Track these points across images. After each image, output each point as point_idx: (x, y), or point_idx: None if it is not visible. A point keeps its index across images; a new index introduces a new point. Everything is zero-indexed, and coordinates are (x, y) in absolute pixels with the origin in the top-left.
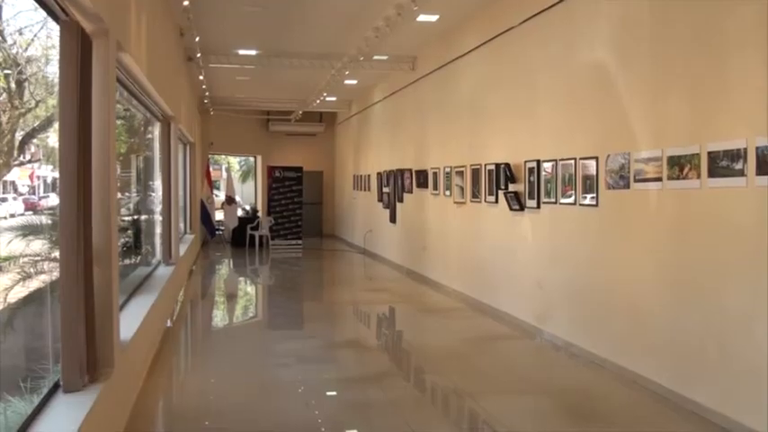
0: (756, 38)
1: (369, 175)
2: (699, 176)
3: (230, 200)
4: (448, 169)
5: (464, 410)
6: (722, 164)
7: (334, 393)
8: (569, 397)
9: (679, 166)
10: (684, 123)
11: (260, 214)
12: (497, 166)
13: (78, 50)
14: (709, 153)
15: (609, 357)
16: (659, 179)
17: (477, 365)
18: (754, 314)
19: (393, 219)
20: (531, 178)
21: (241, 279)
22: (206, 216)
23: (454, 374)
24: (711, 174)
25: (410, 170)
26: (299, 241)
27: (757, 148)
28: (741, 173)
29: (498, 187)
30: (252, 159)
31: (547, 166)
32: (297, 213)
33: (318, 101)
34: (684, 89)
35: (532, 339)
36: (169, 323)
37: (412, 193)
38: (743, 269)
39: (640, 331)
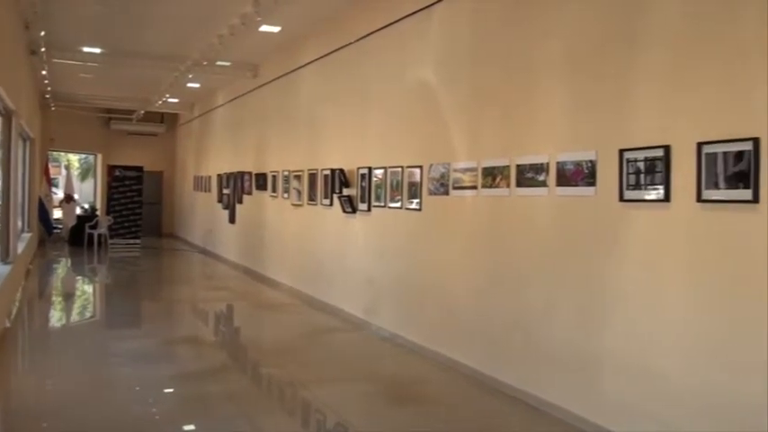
0: (559, 68)
1: (209, 177)
2: (508, 186)
3: (69, 198)
4: (286, 173)
5: (298, 399)
6: (528, 175)
7: (171, 390)
8: (394, 382)
9: (492, 176)
10: (497, 139)
11: (99, 213)
12: (332, 171)
13: None
14: (518, 166)
15: (428, 346)
16: (475, 187)
17: (311, 357)
18: (552, 304)
19: (232, 219)
20: (363, 183)
21: (79, 278)
22: (44, 214)
23: (289, 366)
24: (519, 184)
25: (250, 173)
26: (138, 240)
27: (558, 163)
28: (544, 183)
29: (333, 191)
30: (92, 158)
31: (378, 172)
32: (136, 213)
33: (161, 102)
34: (498, 108)
35: (362, 332)
36: (7, 323)
37: (251, 194)
38: (543, 266)
39: (456, 321)
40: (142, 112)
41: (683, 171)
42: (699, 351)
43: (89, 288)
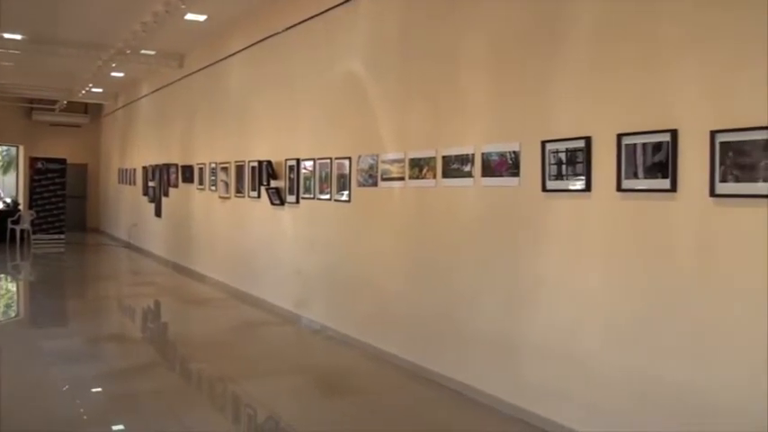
0: (484, 61)
1: (134, 169)
2: (435, 177)
3: None
4: (213, 165)
5: (228, 395)
6: (454, 166)
7: (99, 389)
8: (325, 375)
9: (419, 167)
10: (424, 131)
11: (21, 208)
12: (260, 163)
13: None
14: (444, 157)
15: (359, 337)
16: (402, 178)
17: (241, 352)
18: (479, 292)
19: (158, 213)
20: (292, 175)
21: (1, 276)
22: None
23: (218, 361)
24: (445, 175)
25: (176, 165)
26: (62, 236)
27: (483, 154)
28: (469, 174)
29: (261, 183)
30: (14, 150)
31: (307, 164)
32: (60, 207)
33: (84, 91)
34: (424, 100)
35: (292, 325)
36: None
37: (178, 187)
38: (470, 255)
39: (386, 312)
40: (65, 102)
41: (604, 162)
42: (620, 335)
43: (12, 286)
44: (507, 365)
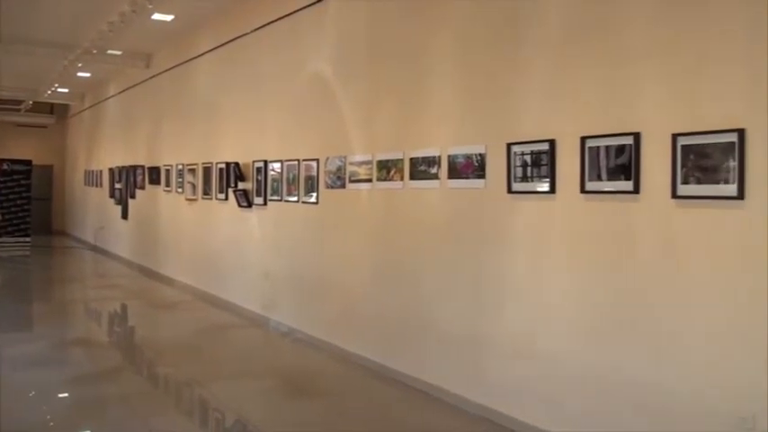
0: (450, 63)
1: (101, 171)
2: (402, 178)
3: None
4: (180, 167)
5: (195, 398)
6: (421, 168)
7: (66, 394)
8: (293, 377)
9: (386, 169)
10: (391, 132)
11: None
12: (228, 165)
13: None
14: (411, 159)
15: (327, 339)
16: (370, 180)
17: (208, 355)
18: (444, 291)
19: (125, 215)
20: (259, 177)
21: None
22: None
23: (186, 365)
24: (412, 177)
25: (143, 166)
26: (27, 239)
27: (449, 156)
28: (436, 176)
29: (228, 185)
30: None
31: (275, 166)
32: (25, 209)
33: (50, 92)
34: (392, 102)
35: (260, 327)
36: None
37: (144, 189)
38: (436, 254)
39: (354, 314)
40: (31, 102)
41: (568, 164)
42: (585, 335)
43: None
44: (474, 365)
